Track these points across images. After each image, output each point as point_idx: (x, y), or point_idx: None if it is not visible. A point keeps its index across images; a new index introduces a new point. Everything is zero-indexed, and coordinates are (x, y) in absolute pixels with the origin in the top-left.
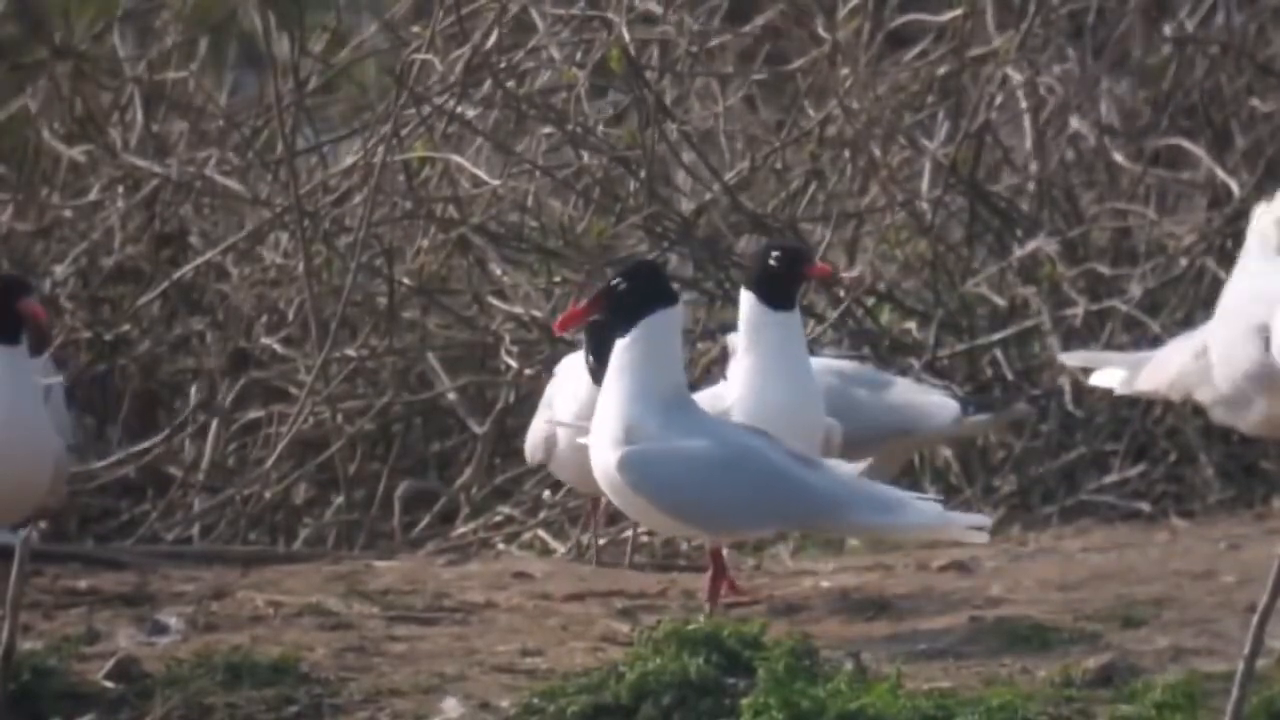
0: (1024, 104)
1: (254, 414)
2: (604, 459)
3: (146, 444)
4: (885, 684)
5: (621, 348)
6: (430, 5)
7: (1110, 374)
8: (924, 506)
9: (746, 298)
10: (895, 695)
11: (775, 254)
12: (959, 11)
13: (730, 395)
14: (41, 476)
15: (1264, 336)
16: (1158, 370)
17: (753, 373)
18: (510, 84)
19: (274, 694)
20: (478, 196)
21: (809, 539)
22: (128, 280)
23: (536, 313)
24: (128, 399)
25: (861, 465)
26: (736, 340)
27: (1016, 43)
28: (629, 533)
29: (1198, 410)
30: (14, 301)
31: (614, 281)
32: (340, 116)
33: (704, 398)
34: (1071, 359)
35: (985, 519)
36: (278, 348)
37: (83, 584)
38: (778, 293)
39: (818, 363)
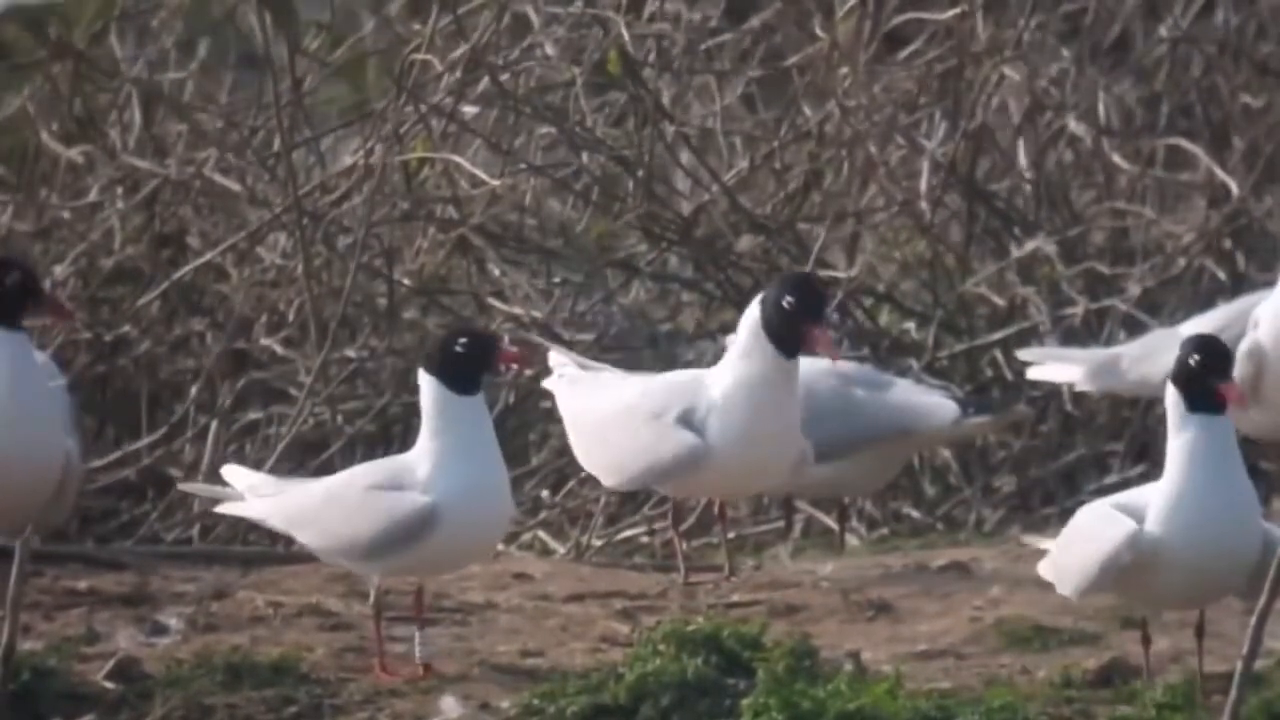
0: (1022, 103)
1: (254, 415)
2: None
3: (144, 442)
4: (885, 684)
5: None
6: (427, 3)
7: (1067, 370)
8: None
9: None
10: (895, 696)
11: (1197, 369)
12: (959, 10)
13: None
14: (50, 473)
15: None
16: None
17: (1176, 485)
18: (507, 81)
19: (274, 694)
20: (476, 196)
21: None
22: (127, 281)
23: (536, 313)
24: (127, 400)
25: None
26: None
27: (1013, 40)
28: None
29: None
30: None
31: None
32: (339, 115)
33: (1121, 500)
34: (1028, 354)
35: None
36: (277, 348)
37: (83, 584)
38: (1201, 398)
39: (814, 364)
